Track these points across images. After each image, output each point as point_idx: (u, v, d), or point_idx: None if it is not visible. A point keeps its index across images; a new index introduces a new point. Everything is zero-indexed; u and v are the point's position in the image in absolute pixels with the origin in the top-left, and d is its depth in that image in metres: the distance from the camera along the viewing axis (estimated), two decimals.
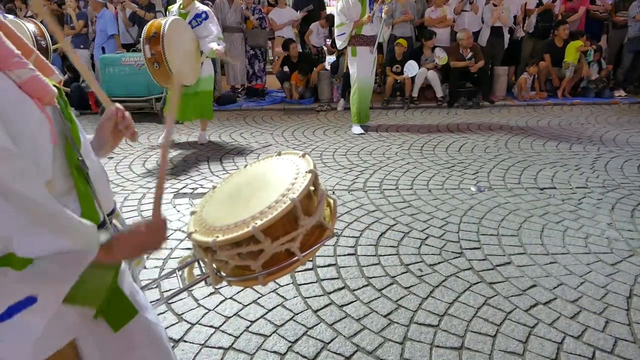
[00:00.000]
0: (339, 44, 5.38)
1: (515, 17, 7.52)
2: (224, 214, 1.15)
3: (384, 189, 3.81)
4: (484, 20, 7.39)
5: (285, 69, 7.57)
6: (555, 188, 3.79)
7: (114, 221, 1.10)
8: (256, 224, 1.03)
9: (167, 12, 5.12)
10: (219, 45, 4.69)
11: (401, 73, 7.00)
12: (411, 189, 3.81)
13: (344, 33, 5.22)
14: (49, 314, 0.79)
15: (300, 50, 7.73)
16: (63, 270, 0.80)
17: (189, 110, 4.98)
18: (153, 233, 0.92)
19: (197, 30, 4.76)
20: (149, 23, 4.44)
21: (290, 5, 8.88)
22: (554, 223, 3.17)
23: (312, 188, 1.13)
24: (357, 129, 5.58)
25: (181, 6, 4.81)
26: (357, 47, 5.31)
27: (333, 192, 3.76)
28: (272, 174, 1.24)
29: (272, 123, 6.24)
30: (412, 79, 6.97)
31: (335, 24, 5.35)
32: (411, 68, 6.89)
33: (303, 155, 1.24)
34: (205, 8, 4.88)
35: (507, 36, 7.50)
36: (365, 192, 3.74)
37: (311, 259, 2.46)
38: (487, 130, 5.64)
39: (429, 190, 3.77)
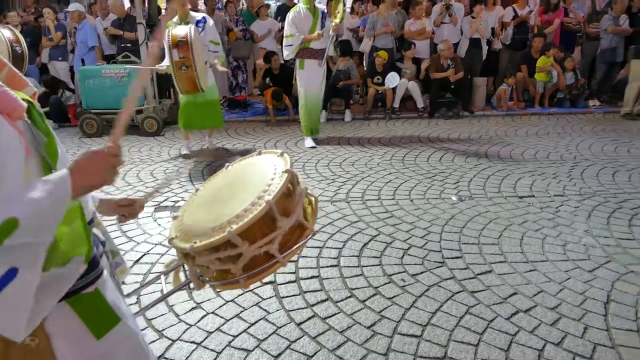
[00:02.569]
0: (286, 54, 5.34)
1: (493, 29, 7.69)
2: (203, 218, 1.15)
3: (367, 200, 3.83)
4: (462, 32, 7.54)
5: (268, 81, 7.58)
6: (534, 196, 3.86)
7: (94, 230, 1.09)
8: (232, 228, 1.03)
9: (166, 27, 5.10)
10: (221, 64, 4.92)
11: (382, 84, 7.08)
12: (393, 199, 3.84)
13: (292, 45, 5.17)
14: (33, 282, 0.81)
15: (282, 62, 7.76)
16: (49, 208, 0.82)
17: (197, 119, 4.97)
18: (109, 155, 0.92)
19: (203, 36, 4.80)
20: (168, 32, 4.37)
21: (272, 16, 8.94)
22: (533, 231, 3.22)
23: (290, 187, 1.13)
24: (308, 142, 5.52)
25: (181, 19, 4.80)
26: (305, 60, 5.28)
27: None
28: (250, 174, 1.24)
29: (254, 135, 6.24)
30: (394, 89, 7.05)
31: (285, 34, 5.30)
32: (392, 79, 6.98)
33: (281, 154, 1.24)
34: (201, 14, 4.97)
35: (485, 48, 7.66)
36: (347, 203, 3.76)
37: (294, 258, 2.46)
38: (468, 140, 5.72)
39: (411, 200, 3.80)
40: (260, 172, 1.18)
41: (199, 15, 4.98)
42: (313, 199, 1.25)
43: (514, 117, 7.03)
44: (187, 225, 1.14)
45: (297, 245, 1.12)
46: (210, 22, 4.98)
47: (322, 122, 6.78)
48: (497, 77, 7.92)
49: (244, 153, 5.32)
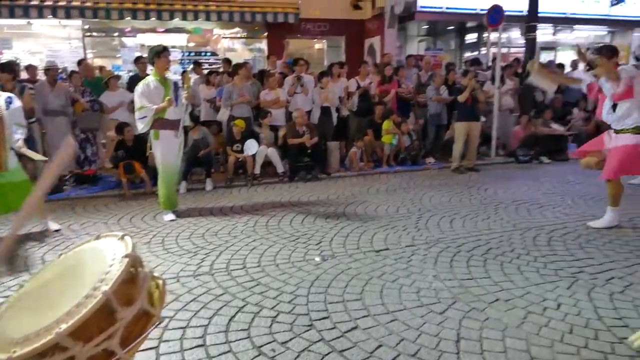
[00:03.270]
0: (141, 127, 5.15)
1: (340, 98, 8.45)
2: (27, 320, 0.99)
3: (232, 270, 3.73)
4: (314, 101, 8.14)
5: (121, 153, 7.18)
6: (388, 249, 4.16)
7: None
8: (61, 328, 0.91)
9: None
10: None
11: (242, 151, 7.19)
12: (259, 266, 3.81)
13: (146, 116, 5.04)
14: None
15: (136, 133, 7.45)
16: None
17: (9, 201, 4.36)
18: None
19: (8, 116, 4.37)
20: None
21: (124, 87, 8.64)
22: (391, 282, 3.44)
23: (132, 272, 1.05)
24: (168, 216, 5.31)
25: None
26: (160, 131, 5.18)
27: (177, 280, 3.55)
28: (86, 263, 1.11)
29: (106, 211, 5.76)
30: (254, 156, 7.20)
31: (136, 107, 5.13)
32: (251, 146, 7.14)
33: (122, 238, 1.16)
34: (7, 94, 4.58)
35: (335, 114, 8.35)
36: (212, 276, 3.62)
37: (140, 348, 2.25)
38: (327, 201, 6.03)
39: (277, 265, 3.81)
40: (98, 259, 1.08)
41: (4, 94, 4.56)
42: (160, 281, 1.18)
43: (366, 177, 7.65)
44: (6, 331, 0.98)
45: (142, 335, 1.03)
46: (18, 103, 4.57)
47: (182, 193, 6.58)
48: (348, 140, 8.62)
49: (94, 232, 4.86)
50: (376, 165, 8.25)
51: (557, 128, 9.12)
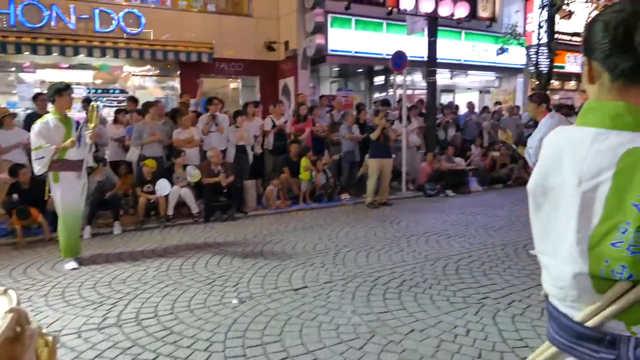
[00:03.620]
0: (38, 169, 4.79)
1: (255, 136, 8.48)
2: None
3: (142, 320, 3.49)
4: (229, 139, 8.08)
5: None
6: (307, 287, 4.15)
7: None
8: None
9: None
10: None
11: (153, 192, 6.89)
12: (172, 313, 3.61)
13: (43, 157, 4.70)
14: None
15: (32, 175, 6.86)
16: None
17: None
18: None
19: None
20: None
21: (20, 125, 7.96)
22: (310, 320, 3.42)
23: (17, 329, 0.95)
24: (70, 265, 4.88)
25: None
26: (60, 173, 4.83)
27: (79, 335, 3.24)
28: None
29: None
30: (166, 197, 6.93)
31: (32, 146, 4.78)
32: (163, 187, 6.87)
33: (5, 292, 1.05)
34: None
35: (251, 153, 8.34)
36: (119, 328, 3.35)
37: None
38: (244, 241, 5.92)
39: (191, 311, 3.63)
40: None
41: None
42: (50, 338, 1.08)
43: (283, 214, 7.65)
44: None
45: None
46: None
47: (86, 238, 6.11)
48: (265, 179, 8.62)
49: None
50: (293, 202, 8.30)
51: (459, 163, 9.86)
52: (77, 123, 4.96)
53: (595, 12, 1.03)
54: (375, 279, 4.33)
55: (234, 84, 13.47)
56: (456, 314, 3.52)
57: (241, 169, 8.06)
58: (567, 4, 11.37)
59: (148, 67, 12.07)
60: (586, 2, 10.77)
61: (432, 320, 3.40)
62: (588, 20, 1.04)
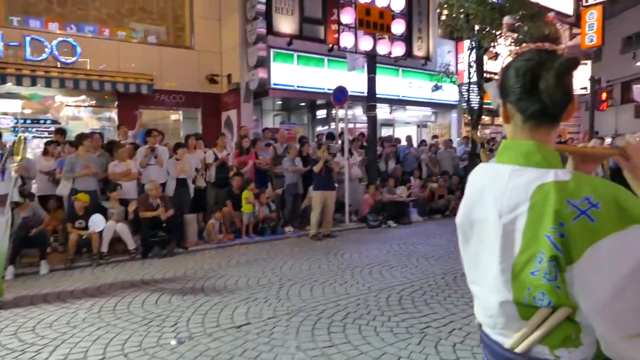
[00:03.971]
0: None
1: (197, 169, 8.30)
2: None
3: None
4: (169, 172, 7.86)
5: None
6: (250, 323, 4.03)
7: None
8: None
9: None
10: None
11: (86, 228, 6.51)
12: (103, 358, 3.36)
13: None
14: None
15: None
16: None
17: None
18: None
19: None
20: None
21: None
22: (253, 359, 3.31)
23: None
24: None
25: None
26: None
27: None
28: None
29: None
30: (100, 233, 6.56)
31: None
32: (97, 222, 6.52)
33: None
34: None
35: (192, 186, 8.13)
36: None
37: None
38: (184, 277, 5.69)
39: (125, 355, 3.41)
40: None
41: None
42: None
43: (226, 249, 7.47)
44: None
45: None
46: None
47: (8, 279, 5.62)
48: (206, 212, 8.41)
49: None
50: (236, 236, 8.14)
51: (400, 194, 10.15)
52: (1, 155, 4.64)
53: (509, 59, 1.13)
54: (320, 312, 4.29)
55: (175, 116, 13.24)
56: (400, 344, 3.54)
57: (182, 202, 7.82)
58: (494, 47, 12.26)
59: (83, 97, 11.62)
60: (509, 45, 11.66)
61: (376, 353, 3.40)
62: (503, 66, 1.14)
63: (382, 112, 14.79)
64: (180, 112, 13.02)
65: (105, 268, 6.29)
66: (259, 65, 11.82)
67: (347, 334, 3.77)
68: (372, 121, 10.59)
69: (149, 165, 7.72)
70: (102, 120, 12.31)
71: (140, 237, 7.00)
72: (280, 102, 14.46)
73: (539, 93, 1.04)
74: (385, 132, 15.24)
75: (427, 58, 15.56)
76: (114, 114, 11.86)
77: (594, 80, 18.56)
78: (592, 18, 19.38)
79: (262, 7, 11.69)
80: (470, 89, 12.85)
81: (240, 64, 12.24)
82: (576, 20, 20.82)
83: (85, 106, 11.94)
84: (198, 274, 5.85)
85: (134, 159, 7.73)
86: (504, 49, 13.09)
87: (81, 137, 7.33)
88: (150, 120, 11.98)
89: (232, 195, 8.26)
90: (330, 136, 10.73)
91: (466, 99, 12.84)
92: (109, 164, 7.49)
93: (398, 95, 14.69)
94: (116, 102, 11.62)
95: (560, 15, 20.56)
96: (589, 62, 21.12)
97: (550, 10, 18.24)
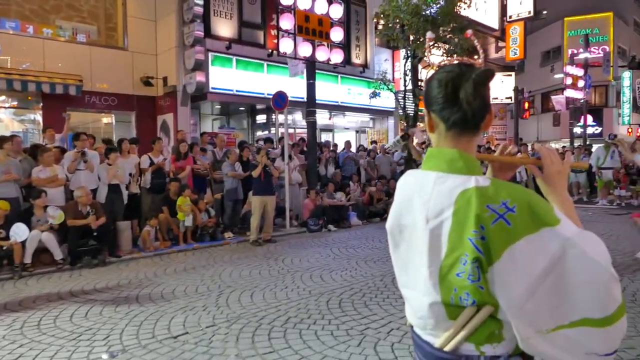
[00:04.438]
0: None
1: (131, 174, 7.96)
2: None
3: None
4: (100, 178, 7.48)
5: None
6: (187, 333, 3.92)
7: None
8: None
9: None
10: None
11: (7, 238, 6.04)
12: None
13: None
14: None
15: None
16: None
17: None
18: None
19: None
20: None
21: None
22: None
23: None
24: None
25: None
26: None
27: None
28: None
29: None
30: (23, 243, 6.11)
31: None
32: (18, 231, 6.07)
33: None
34: None
35: (125, 192, 7.78)
36: None
37: None
38: (117, 287, 5.43)
39: None
40: None
41: None
42: None
43: (162, 257, 7.21)
44: None
45: None
46: None
47: None
48: (142, 219, 8.08)
49: None
50: (173, 243, 7.89)
51: (339, 199, 10.30)
52: None
53: (432, 71, 1.20)
54: (260, 318, 4.25)
55: (107, 119, 12.63)
56: (340, 347, 3.59)
57: (114, 209, 7.47)
58: (427, 56, 12.82)
59: (3, 97, 10.81)
60: (442, 55, 12.24)
61: (317, 357, 3.42)
62: (427, 77, 1.21)
63: (322, 117, 14.98)
64: (113, 115, 12.45)
65: (29, 280, 5.87)
66: (196, 69, 11.57)
67: (288, 339, 3.77)
68: (312, 126, 10.68)
69: (78, 171, 7.31)
70: (25, 122, 11.52)
71: (68, 246, 6.59)
72: (219, 107, 14.23)
73: (460, 103, 1.11)
74: (324, 137, 15.44)
75: (365, 66, 15.95)
76: (38, 116, 11.11)
77: (518, 91, 19.89)
78: (515, 33, 20.81)
79: (199, 10, 11.47)
80: (406, 96, 13.32)
81: (177, 66, 11.93)
82: (501, 35, 22.25)
83: (6, 107, 11.11)
84: (132, 283, 5.61)
85: (61, 164, 7.29)
86: (437, 59, 13.74)
87: (1, 141, 6.81)
88: (80, 123, 11.37)
89: (169, 201, 8.00)
90: (270, 140, 10.70)
91: (402, 105, 13.29)
92: (32, 169, 7.01)
93: (337, 102, 14.94)
94: (41, 104, 10.89)
95: (487, 29, 21.89)
96: (513, 74, 22.63)
97: (478, 24, 19.37)
